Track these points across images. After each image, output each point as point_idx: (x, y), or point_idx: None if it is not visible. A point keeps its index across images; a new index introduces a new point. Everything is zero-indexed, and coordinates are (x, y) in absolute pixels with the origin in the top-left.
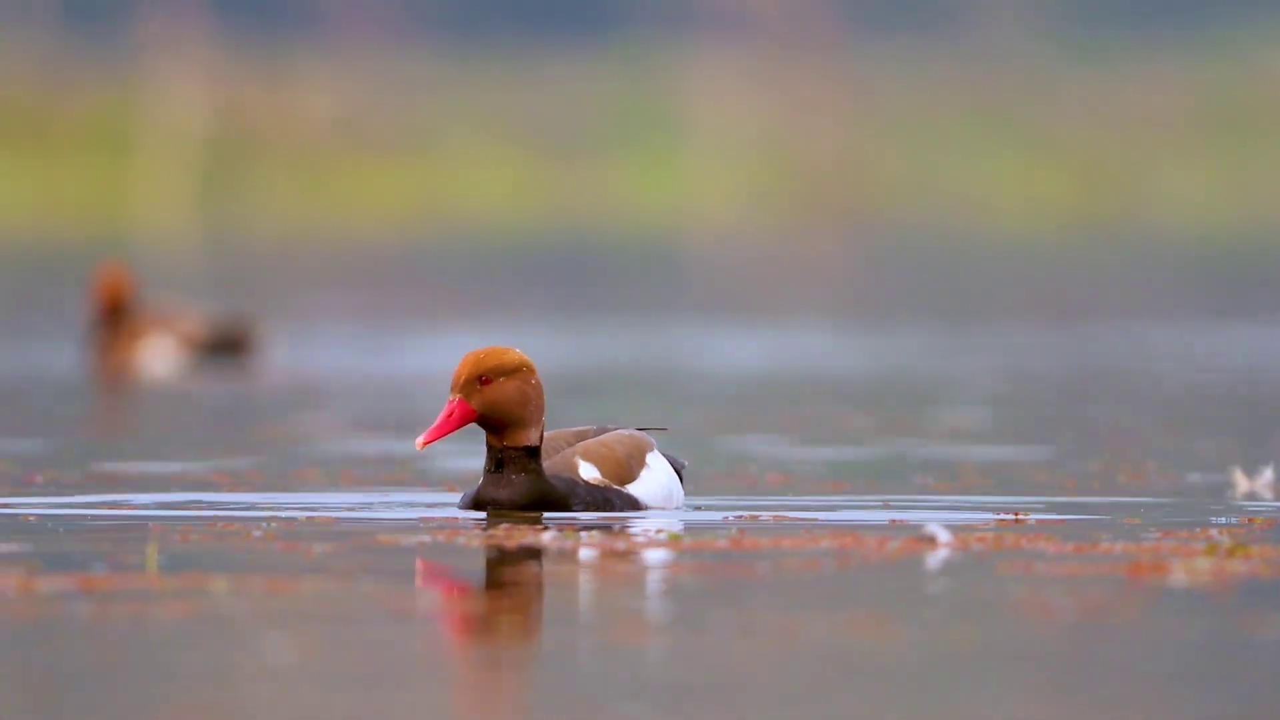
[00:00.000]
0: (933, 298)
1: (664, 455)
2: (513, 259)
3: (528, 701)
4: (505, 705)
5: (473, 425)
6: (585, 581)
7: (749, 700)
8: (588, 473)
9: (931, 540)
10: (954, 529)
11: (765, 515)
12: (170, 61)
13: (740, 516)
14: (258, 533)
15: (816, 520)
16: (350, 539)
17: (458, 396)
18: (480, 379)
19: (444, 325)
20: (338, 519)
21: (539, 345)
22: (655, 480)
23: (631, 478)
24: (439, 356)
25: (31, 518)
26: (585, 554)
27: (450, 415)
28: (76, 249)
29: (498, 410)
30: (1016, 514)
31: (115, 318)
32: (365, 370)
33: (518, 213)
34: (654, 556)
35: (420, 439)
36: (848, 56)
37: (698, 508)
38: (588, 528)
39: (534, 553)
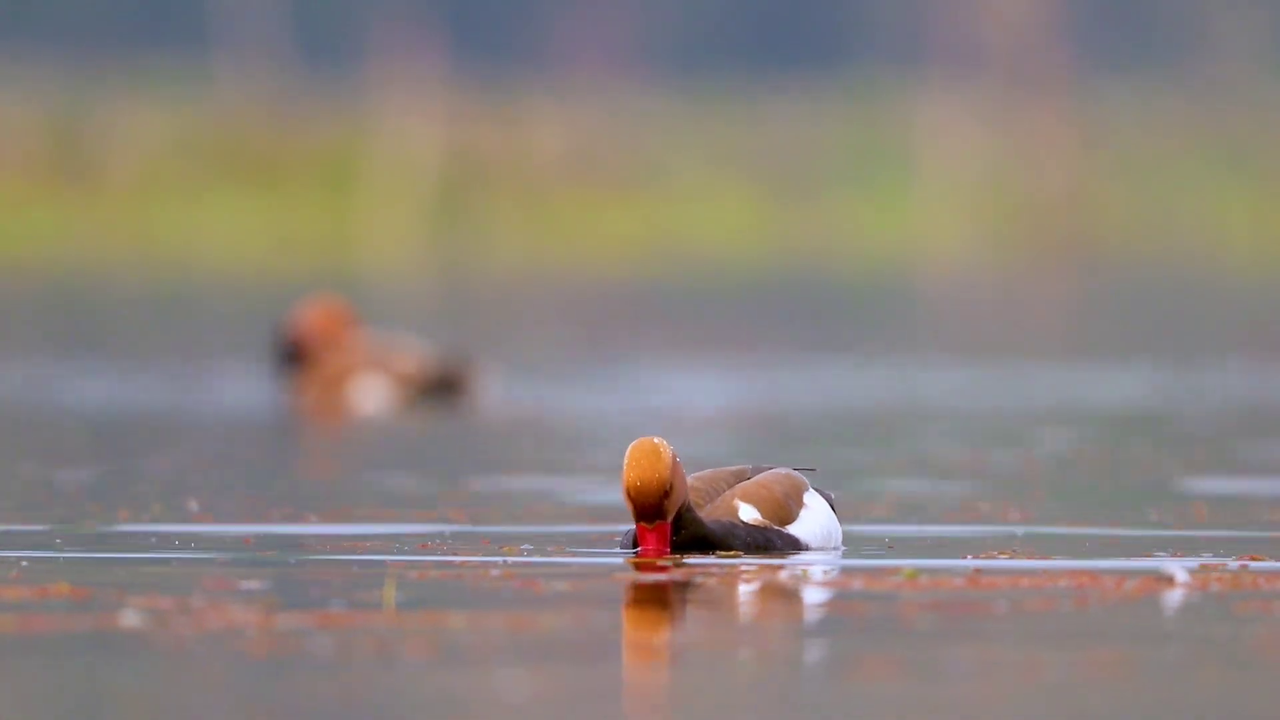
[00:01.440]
0: (1163, 335)
1: (817, 491)
2: (742, 295)
3: None
4: None
5: None
6: (819, 621)
7: None
8: (747, 514)
9: (1170, 579)
10: (1191, 569)
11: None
12: (401, 98)
13: (974, 568)
14: (495, 571)
15: (1048, 565)
16: (586, 577)
17: (652, 524)
18: (665, 495)
19: (673, 361)
20: (573, 556)
21: (767, 382)
22: (815, 520)
23: (791, 518)
24: (667, 393)
25: (269, 554)
26: (815, 594)
27: (659, 538)
28: (307, 286)
29: (679, 502)
30: (1254, 556)
31: (323, 353)
32: (592, 408)
33: (747, 249)
34: (886, 595)
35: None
36: (1078, 93)
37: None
38: (817, 568)
39: (763, 593)
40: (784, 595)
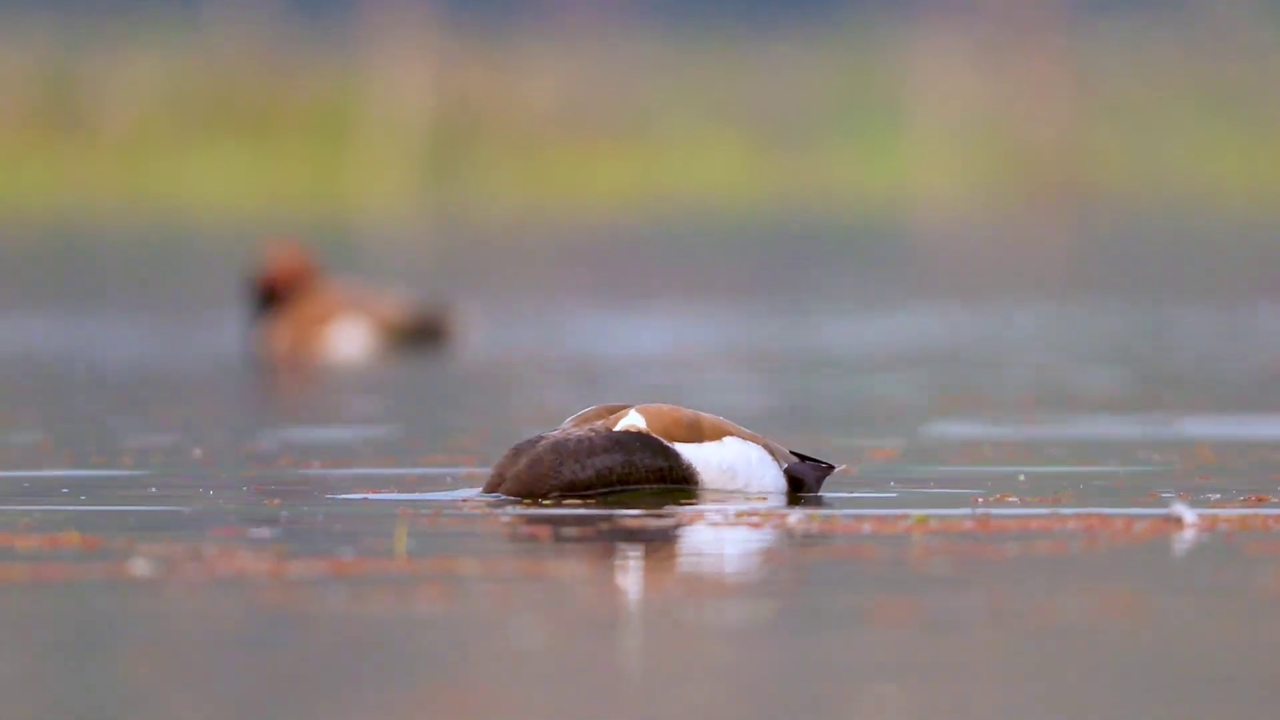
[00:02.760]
0: (1155, 279)
1: (786, 463)
2: (733, 243)
3: (761, 683)
4: (763, 686)
5: None
6: (828, 567)
7: (1000, 682)
8: (630, 421)
9: (1178, 521)
10: (1200, 511)
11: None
12: (394, 48)
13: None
14: (505, 516)
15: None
16: (596, 522)
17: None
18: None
19: (666, 309)
20: (581, 503)
21: (757, 329)
22: (712, 451)
23: (685, 438)
24: (656, 340)
25: (274, 503)
26: (823, 541)
27: None
28: (301, 235)
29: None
30: (1260, 497)
31: (290, 298)
32: (576, 353)
33: (738, 197)
34: (895, 539)
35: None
36: (1071, 38)
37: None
38: (826, 515)
39: (769, 538)
40: (791, 541)
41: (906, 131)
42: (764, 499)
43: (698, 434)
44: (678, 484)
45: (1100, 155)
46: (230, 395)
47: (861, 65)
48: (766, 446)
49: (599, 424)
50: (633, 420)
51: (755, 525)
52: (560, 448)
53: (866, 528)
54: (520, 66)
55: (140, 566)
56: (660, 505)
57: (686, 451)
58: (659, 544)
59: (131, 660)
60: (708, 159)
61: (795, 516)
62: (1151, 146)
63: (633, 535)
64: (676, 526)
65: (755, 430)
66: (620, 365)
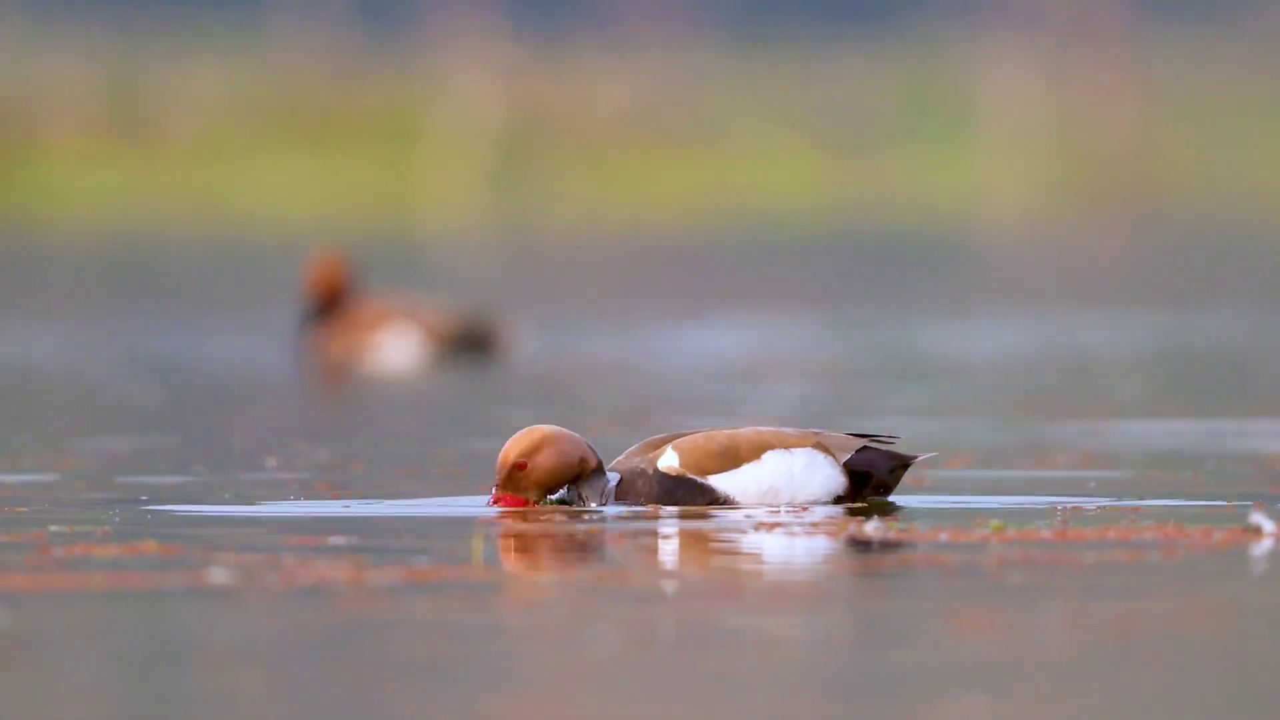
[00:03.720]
0: (1224, 287)
1: (841, 459)
2: (802, 249)
3: (838, 692)
4: (840, 695)
5: None
6: (908, 575)
7: (1081, 687)
8: (666, 461)
9: (1257, 531)
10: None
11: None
12: (461, 54)
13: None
14: (581, 525)
15: (1139, 507)
16: (671, 531)
17: (502, 494)
18: (517, 467)
19: (732, 315)
20: (663, 513)
21: (824, 335)
22: (750, 475)
23: (717, 469)
24: (723, 346)
25: (351, 511)
26: (902, 549)
27: (496, 502)
28: (368, 242)
29: (551, 482)
30: None
31: (332, 309)
32: (636, 361)
33: (807, 203)
34: (974, 547)
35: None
36: (1137, 44)
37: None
38: (902, 519)
39: (848, 545)
40: (867, 549)
41: (974, 137)
42: (805, 508)
43: (733, 459)
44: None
45: (1166, 160)
46: (295, 403)
47: (929, 72)
48: (821, 445)
49: (639, 463)
50: (669, 460)
51: (831, 533)
52: (634, 489)
53: (944, 535)
54: (588, 73)
55: (218, 575)
56: (735, 513)
57: (720, 483)
58: (735, 552)
59: (210, 669)
60: (776, 165)
61: (872, 525)
62: (1217, 151)
63: (708, 544)
64: (752, 535)
65: (819, 424)
66: (683, 373)
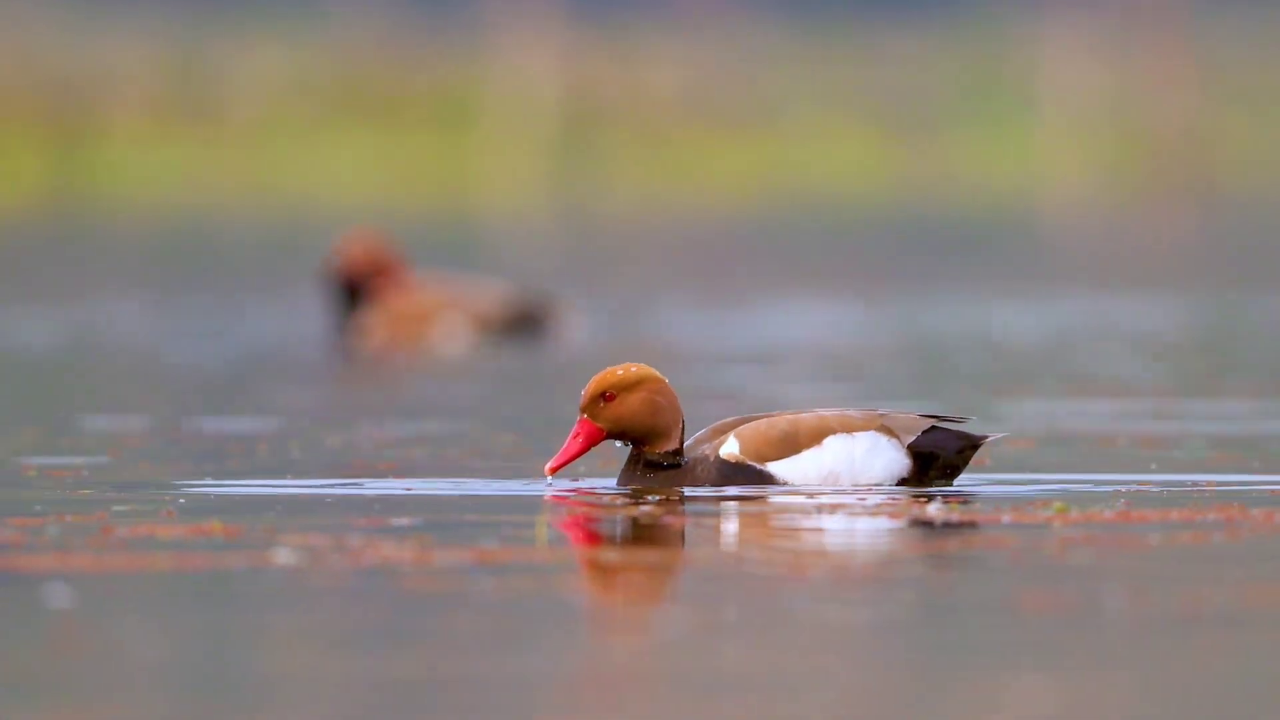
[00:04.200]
0: None
1: (905, 440)
2: (860, 232)
3: (905, 673)
4: (907, 676)
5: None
6: (973, 557)
7: (1144, 668)
8: (727, 449)
9: None
10: None
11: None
12: (519, 36)
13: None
14: (645, 505)
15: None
16: (734, 513)
17: (583, 416)
18: (604, 396)
19: (791, 298)
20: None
21: (885, 318)
22: (810, 460)
23: (776, 455)
24: (781, 328)
25: (416, 490)
26: (966, 530)
27: (576, 436)
28: (425, 224)
29: (626, 424)
30: None
31: (369, 289)
32: (688, 344)
33: (865, 186)
34: (1037, 529)
35: (549, 464)
36: (1197, 26)
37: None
38: (965, 500)
39: (913, 526)
40: (931, 531)
41: (1033, 119)
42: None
43: (793, 445)
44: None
45: (1226, 143)
46: (350, 384)
47: (988, 54)
48: (885, 427)
49: (701, 451)
50: (730, 447)
51: (895, 515)
52: (696, 475)
53: (1006, 517)
54: (645, 56)
55: (283, 556)
56: (801, 493)
57: (780, 469)
58: (798, 535)
59: (275, 650)
60: (833, 148)
61: (935, 507)
62: (1276, 132)
63: (771, 526)
64: (816, 516)
65: (886, 404)
66: (736, 356)
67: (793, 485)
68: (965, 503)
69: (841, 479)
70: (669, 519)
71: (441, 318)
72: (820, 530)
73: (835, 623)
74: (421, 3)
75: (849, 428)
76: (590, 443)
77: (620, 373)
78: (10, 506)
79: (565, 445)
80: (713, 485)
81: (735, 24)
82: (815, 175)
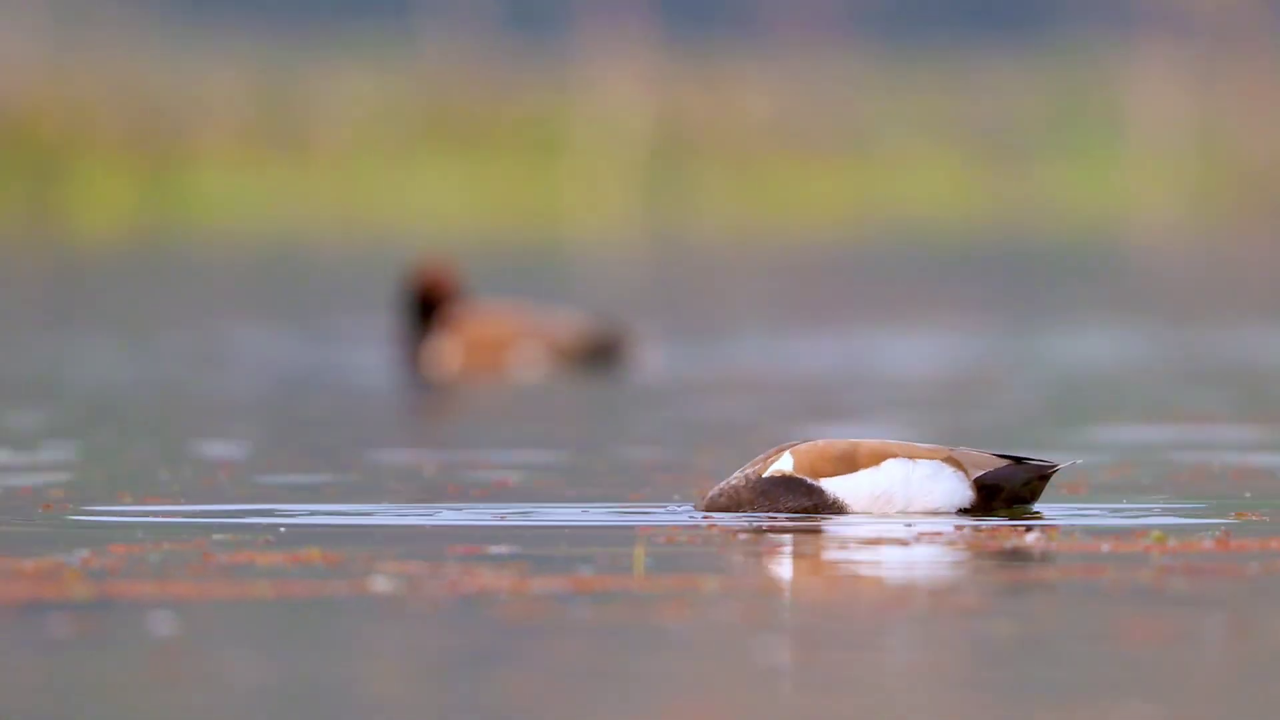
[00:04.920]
0: None
1: (968, 473)
2: (949, 260)
3: (1023, 695)
4: (1005, 703)
5: None
6: (1069, 585)
7: (1243, 698)
8: (779, 465)
9: None
10: None
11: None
12: (609, 63)
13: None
14: (742, 535)
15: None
16: (831, 540)
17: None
18: None
19: (881, 326)
20: (814, 523)
21: (973, 346)
22: (865, 481)
23: (833, 472)
24: (870, 357)
25: (510, 519)
26: (1062, 558)
27: None
28: (513, 251)
29: None
30: None
31: (439, 314)
32: (777, 372)
33: (954, 213)
34: (1135, 558)
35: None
36: None
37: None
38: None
39: (1009, 555)
40: (1030, 558)
41: (1123, 147)
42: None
43: (850, 465)
44: (830, 514)
45: None
46: (434, 412)
47: (1077, 81)
48: (952, 459)
49: (752, 470)
50: (782, 463)
51: (992, 544)
52: (713, 503)
53: (1105, 546)
54: (735, 83)
55: (381, 583)
56: (899, 521)
57: (831, 485)
58: (897, 561)
59: (375, 678)
60: (923, 175)
61: (1033, 535)
62: None
63: (866, 552)
64: (914, 544)
65: (954, 440)
66: (825, 384)
67: (842, 502)
68: (1062, 532)
69: (895, 501)
70: (763, 545)
71: (519, 345)
72: (915, 559)
73: (938, 652)
74: (512, 29)
75: (913, 455)
76: None
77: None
78: (110, 534)
79: None
80: (756, 500)
81: (826, 51)
82: (905, 203)
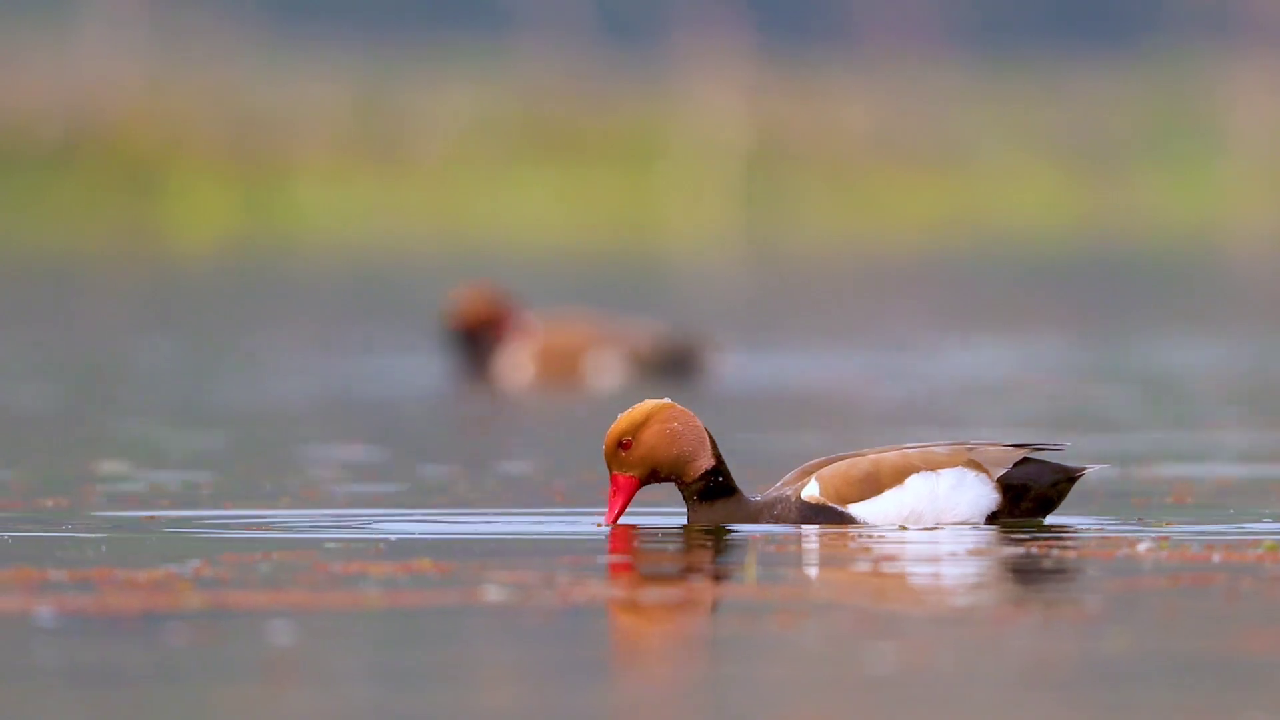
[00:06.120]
0: None
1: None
2: (1048, 271)
3: (1141, 707)
4: (1115, 710)
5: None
6: (1179, 593)
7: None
8: (808, 491)
9: None
10: None
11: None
12: (705, 74)
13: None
14: (853, 543)
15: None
16: (935, 553)
17: (612, 473)
18: (621, 445)
19: (979, 336)
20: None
21: (1070, 357)
22: (890, 501)
23: (858, 497)
24: (970, 365)
25: (600, 526)
26: (1169, 566)
27: (613, 494)
28: (612, 261)
29: (652, 463)
30: None
31: (485, 339)
32: (868, 383)
33: (1052, 224)
34: (1247, 568)
35: (604, 519)
36: None
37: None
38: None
39: (1114, 564)
40: (1142, 568)
41: (1221, 157)
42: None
43: (874, 487)
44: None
45: None
46: (524, 422)
47: (1175, 91)
48: (973, 462)
49: (777, 493)
50: (810, 490)
51: (1102, 552)
52: (776, 515)
53: (1216, 556)
54: (832, 94)
55: (494, 593)
56: (1005, 531)
57: (860, 511)
58: (1006, 572)
59: (490, 687)
60: (1020, 187)
61: (1144, 545)
62: None
63: (975, 562)
64: (1023, 554)
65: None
66: (919, 392)
67: (872, 526)
68: (1173, 541)
69: (924, 518)
70: (874, 555)
71: (594, 353)
72: (1030, 567)
73: (1050, 659)
74: (608, 41)
75: (933, 464)
76: (628, 495)
77: (627, 415)
78: (223, 544)
79: (610, 501)
80: (793, 526)
81: (922, 62)
82: (1002, 213)
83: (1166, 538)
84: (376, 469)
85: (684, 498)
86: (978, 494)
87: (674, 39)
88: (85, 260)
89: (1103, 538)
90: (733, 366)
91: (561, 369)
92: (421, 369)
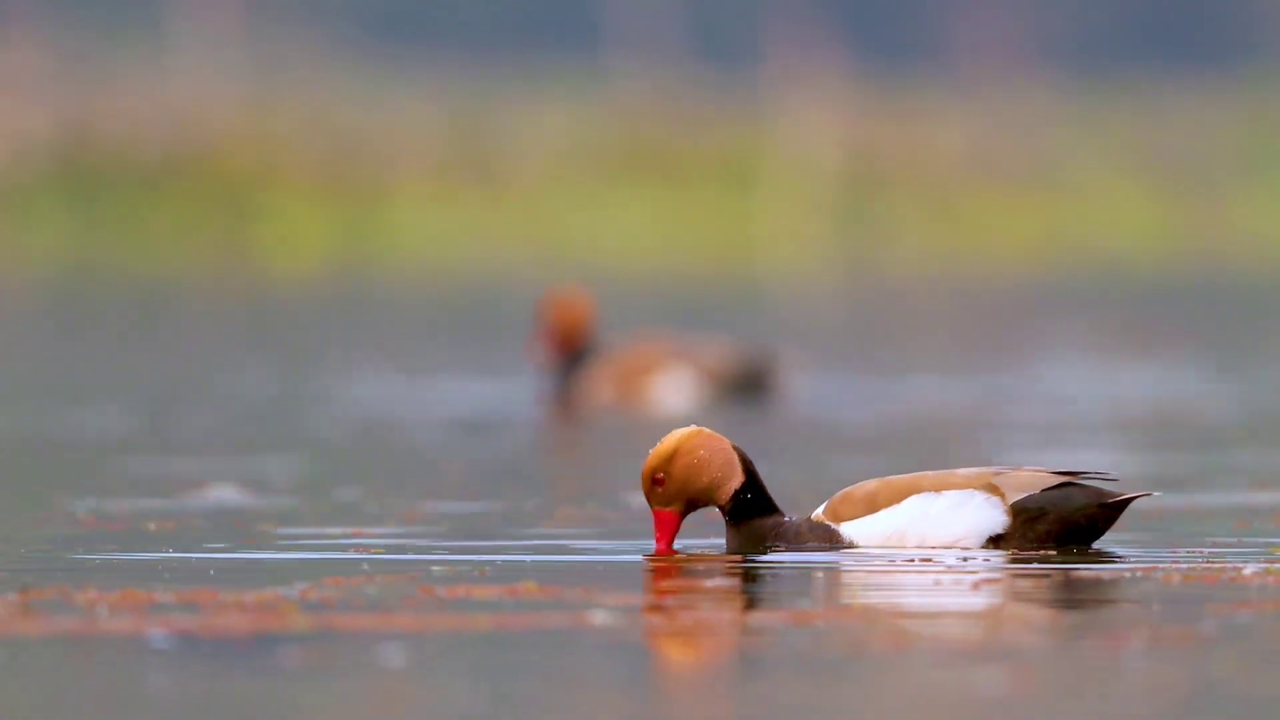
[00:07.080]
0: None
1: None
2: (1145, 294)
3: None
4: None
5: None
6: (1224, 623)
7: None
8: (817, 510)
9: None
10: None
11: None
12: (800, 96)
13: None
14: (973, 571)
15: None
16: (1006, 576)
17: (654, 509)
18: (655, 481)
19: (1074, 360)
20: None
21: (1171, 380)
22: (881, 520)
23: (853, 516)
24: (1068, 393)
25: (723, 554)
26: (1123, 588)
27: (659, 526)
28: (708, 283)
29: (687, 495)
30: None
31: (577, 351)
32: (961, 409)
33: (1148, 246)
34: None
35: (655, 551)
36: None
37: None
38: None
39: (1233, 588)
40: (1249, 591)
41: None
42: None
43: (869, 506)
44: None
45: None
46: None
47: (1271, 113)
48: (990, 485)
49: (814, 511)
50: (819, 509)
51: (1209, 576)
52: (780, 533)
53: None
54: (928, 116)
55: (600, 617)
56: (1068, 556)
57: (847, 529)
58: (1103, 596)
59: (597, 710)
60: (1116, 208)
61: (1251, 568)
62: None
63: (1072, 584)
64: (1131, 580)
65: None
66: (1003, 421)
67: (856, 545)
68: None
69: (908, 538)
70: (982, 580)
71: (667, 370)
72: (1128, 591)
73: (1164, 682)
74: (705, 63)
75: (944, 486)
76: (672, 530)
77: (656, 451)
78: (328, 567)
79: (657, 536)
80: (790, 546)
81: (1019, 85)
82: (1098, 235)
83: (1278, 563)
84: (477, 489)
85: (726, 526)
86: (981, 516)
87: (769, 60)
88: (182, 283)
89: (1208, 563)
90: (806, 385)
91: (634, 388)
92: (517, 391)
